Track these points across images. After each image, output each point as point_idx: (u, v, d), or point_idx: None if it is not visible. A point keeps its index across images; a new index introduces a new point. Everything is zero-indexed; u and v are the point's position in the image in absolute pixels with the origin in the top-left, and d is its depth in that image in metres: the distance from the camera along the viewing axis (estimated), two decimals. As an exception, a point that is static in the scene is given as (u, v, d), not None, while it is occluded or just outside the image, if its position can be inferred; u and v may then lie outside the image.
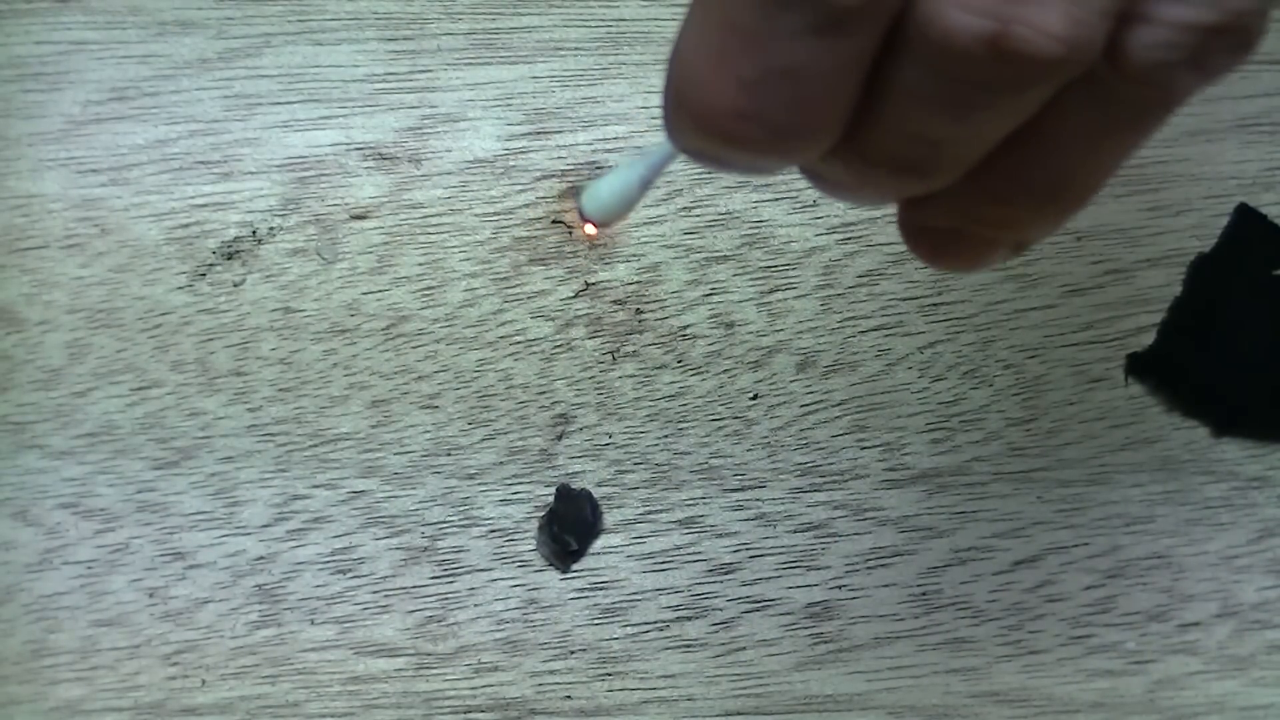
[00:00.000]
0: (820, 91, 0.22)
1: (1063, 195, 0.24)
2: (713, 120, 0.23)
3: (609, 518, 0.45)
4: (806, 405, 0.46)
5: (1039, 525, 0.46)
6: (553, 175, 0.47)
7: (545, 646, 0.44)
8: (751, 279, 0.46)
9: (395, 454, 0.45)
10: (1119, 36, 0.21)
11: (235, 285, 0.46)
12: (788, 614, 0.45)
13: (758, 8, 0.21)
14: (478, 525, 0.45)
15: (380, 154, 0.47)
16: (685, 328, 0.46)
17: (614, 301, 0.46)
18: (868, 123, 0.23)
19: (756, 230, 0.47)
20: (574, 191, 0.30)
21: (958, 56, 0.21)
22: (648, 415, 0.46)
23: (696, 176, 0.47)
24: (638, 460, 0.45)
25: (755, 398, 0.46)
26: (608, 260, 0.46)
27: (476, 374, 0.46)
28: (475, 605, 0.45)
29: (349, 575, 0.45)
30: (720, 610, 0.45)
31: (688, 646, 0.45)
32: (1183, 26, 0.21)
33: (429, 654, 0.44)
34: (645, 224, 0.47)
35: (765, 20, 0.21)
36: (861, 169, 0.24)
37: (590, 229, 0.29)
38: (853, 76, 0.22)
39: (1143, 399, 0.46)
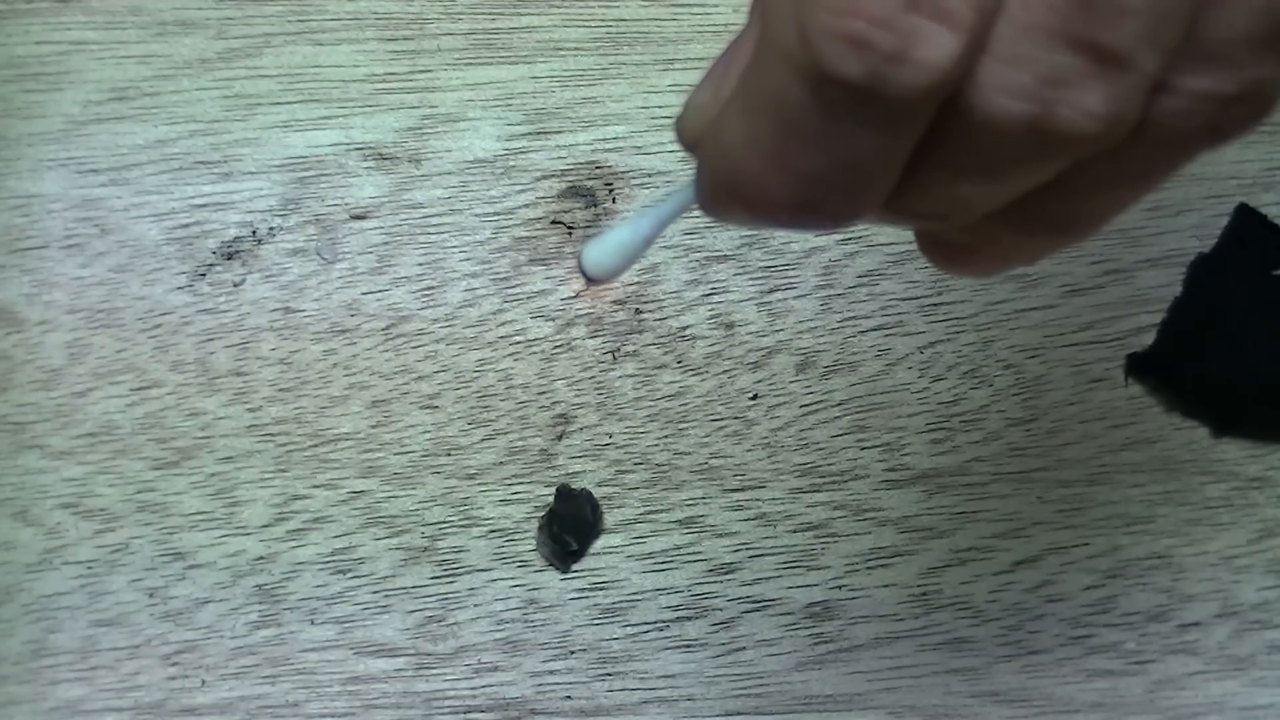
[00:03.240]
0: (876, 176, 0.23)
1: (1076, 229, 0.25)
2: (769, 211, 0.24)
3: (609, 518, 0.45)
4: (806, 405, 0.46)
5: (1039, 525, 0.46)
6: (553, 175, 0.47)
7: (545, 646, 0.44)
8: (751, 279, 0.46)
9: (395, 454, 0.45)
10: (1145, 106, 0.22)
11: (235, 285, 0.46)
12: (788, 614, 0.45)
13: (820, 113, 0.22)
14: (478, 525, 0.45)
15: (380, 154, 0.47)
16: (685, 328, 0.46)
17: (614, 301, 0.46)
18: (904, 189, 0.24)
19: (756, 230, 0.47)
20: (576, 249, 0.30)
21: (1000, 136, 0.22)
22: (648, 415, 0.46)
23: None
24: (638, 460, 0.45)
25: (755, 398, 0.46)
26: (608, 260, 0.46)
27: (476, 374, 0.46)
28: (475, 605, 0.45)
29: (349, 575, 0.45)
30: (720, 610, 0.45)
31: (688, 646, 0.45)
32: (1204, 96, 0.22)
33: (429, 654, 0.44)
34: (645, 224, 0.47)
35: (828, 123, 0.22)
36: (892, 220, 0.25)
37: (590, 284, 0.29)
38: (904, 156, 0.23)
39: (1143, 399, 0.46)
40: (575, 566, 0.45)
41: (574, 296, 0.46)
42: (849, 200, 0.23)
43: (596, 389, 0.46)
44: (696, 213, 0.45)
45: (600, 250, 0.29)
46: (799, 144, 0.22)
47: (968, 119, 0.22)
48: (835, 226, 0.24)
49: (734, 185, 0.24)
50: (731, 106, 0.23)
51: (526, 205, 0.47)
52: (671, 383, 0.46)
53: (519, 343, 0.46)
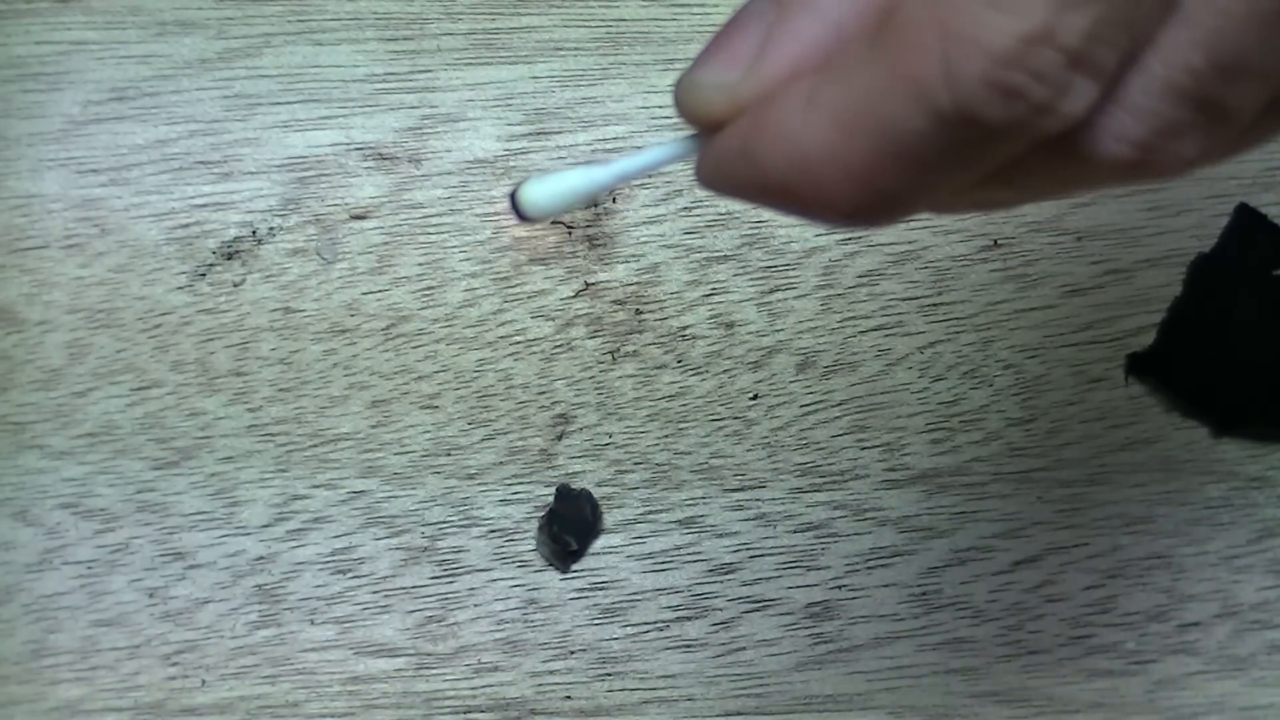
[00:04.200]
0: (947, 191, 0.23)
1: (1074, 193, 0.26)
2: (822, 212, 0.24)
3: (609, 518, 0.45)
4: (806, 405, 0.46)
5: (1039, 525, 0.46)
6: (553, 175, 0.47)
7: (545, 646, 0.44)
8: (751, 279, 0.46)
9: (395, 454, 0.45)
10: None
11: (235, 285, 0.46)
12: (788, 614, 0.45)
13: (934, 144, 0.22)
14: (478, 525, 0.45)
15: (380, 154, 0.47)
16: (685, 328, 0.46)
17: (614, 301, 0.46)
18: (960, 195, 0.24)
19: (756, 230, 0.47)
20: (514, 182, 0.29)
21: (1094, 170, 0.23)
22: (648, 415, 0.46)
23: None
24: (638, 460, 0.45)
25: (755, 398, 0.46)
26: (608, 260, 0.46)
27: (476, 374, 0.46)
28: (475, 605, 0.45)
29: (349, 575, 0.45)
30: (720, 610, 0.45)
31: (688, 646, 0.45)
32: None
33: (429, 654, 0.44)
34: (645, 224, 0.47)
35: (937, 152, 0.22)
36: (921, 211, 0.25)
37: (521, 220, 0.27)
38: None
39: (1143, 399, 0.46)
40: (575, 566, 0.45)
41: (573, 296, 0.46)
42: (907, 211, 0.23)
43: (596, 389, 0.46)
44: (697, 212, 0.45)
45: (543, 190, 0.27)
46: (894, 165, 0.22)
47: (1068, 152, 0.22)
48: (871, 227, 0.24)
49: (797, 187, 0.23)
50: (817, 113, 0.23)
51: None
52: (671, 383, 0.46)
53: (519, 343, 0.46)
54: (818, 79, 0.23)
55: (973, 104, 0.21)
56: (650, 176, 0.47)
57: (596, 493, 0.45)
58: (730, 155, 0.24)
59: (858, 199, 0.23)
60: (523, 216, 0.27)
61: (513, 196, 0.28)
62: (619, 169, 0.27)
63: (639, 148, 0.27)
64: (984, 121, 0.21)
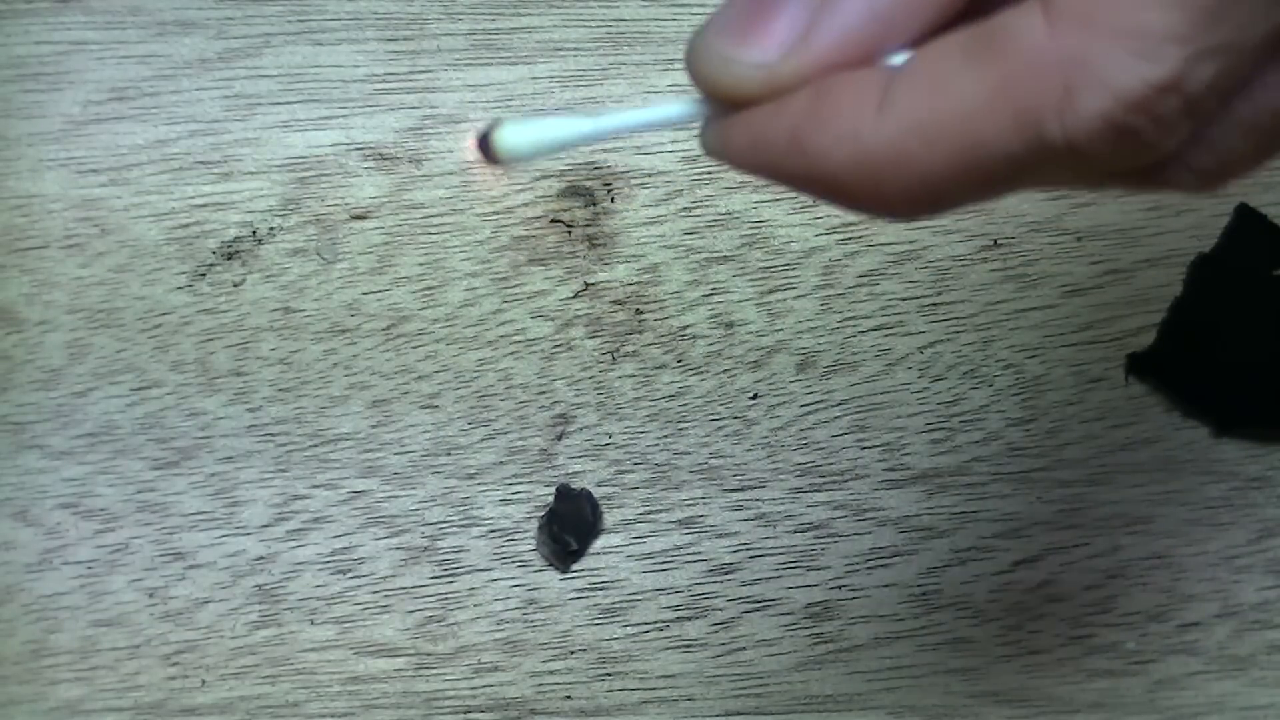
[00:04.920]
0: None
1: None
2: (870, 208, 0.24)
3: (609, 518, 0.45)
4: (806, 405, 0.46)
5: (1039, 525, 0.46)
6: (552, 175, 0.47)
7: (545, 646, 0.44)
8: (751, 279, 0.46)
9: (395, 454, 0.45)
10: None
11: (235, 285, 0.46)
12: (788, 614, 0.45)
13: (1025, 169, 0.22)
14: (478, 525, 0.45)
15: (380, 154, 0.47)
16: (685, 328, 0.46)
17: (614, 301, 0.46)
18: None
19: (756, 230, 0.47)
20: (489, 123, 0.26)
21: (1155, 191, 0.25)
22: (648, 415, 0.46)
23: (697, 176, 0.47)
24: (638, 460, 0.45)
25: (755, 398, 0.46)
26: (607, 260, 0.46)
27: (476, 374, 0.46)
28: (475, 605, 0.45)
29: (349, 575, 0.45)
30: (720, 610, 0.45)
31: (688, 646, 0.45)
32: None
33: (429, 654, 0.44)
34: (645, 224, 0.47)
35: (1024, 174, 0.22)
36: None
37: (485, 155, 0.24)
38: None
39: (1143, 399, 0.46)
40: (575, 566, 0.45)
41: (573, 296, 0.46)
42: (953, 210, 0.23)
43: (596, 389, 0.46)
44: (697, 212, 0.45)
45: (522, 134, 0.25)
46: (968, 178, 0.22)
47: (1135, 176, 0.23)
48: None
49: (850, 185, 0.23)
50: (893, 119, 0.22)
51: (526, 205, 0.47)
52: (671, 383, 0.46)
53: (519, 342, 0.46)
54: (893, 81, 0.22)
55: (1083, 139, 0.21)
56: (649, 175, 0.47)
57: (596, 493, 0.45)
58: (774, 140, 0.24)
59: (918, 203, 0.23)
60: (493, 160, 0.26)
61: (484, 137, 0.25)
62: (608, 123, 0.26)
63: (626, 109, 0.26)
64: (1086, 155, 0.21)
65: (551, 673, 0.44)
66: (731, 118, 0.25)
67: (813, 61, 0.23)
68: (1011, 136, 0.21)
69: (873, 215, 0.24)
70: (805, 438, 0.46)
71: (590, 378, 0.46)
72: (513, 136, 0.25)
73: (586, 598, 0.45)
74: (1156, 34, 0.20)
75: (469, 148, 0.26)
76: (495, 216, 0.46)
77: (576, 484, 0.45)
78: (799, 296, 0.46)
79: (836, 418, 0.46)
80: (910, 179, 0.22)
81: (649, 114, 0.26)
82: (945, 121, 0.22)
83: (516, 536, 0.45)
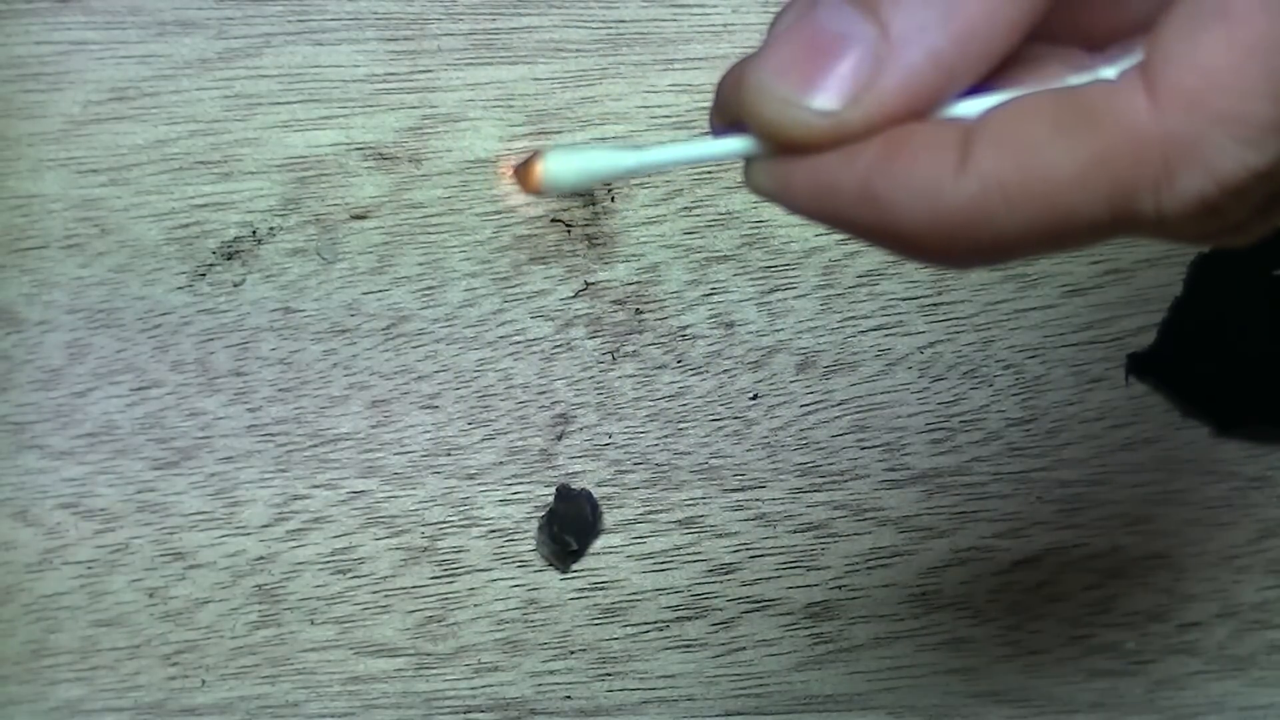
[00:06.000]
0: None
1: None
2: (932, 259, 0.24)
3: (609, 518, 0.45)
4: (806, 405, 0.46)
5: (1039, 525, 0.46)
6: (553, 175, 0.47)
7: (545, 646, 0.44)
8: (751, 279, 0.46)
9: (395, 454, 0.45)
10: None
11: (235, 285, 0.46)
12: (788, 614, 0.45)
13: (1104, 235, 0.23)
14: (478, 525, 0.45)
15: (380, 154, 0.47)
16: (685, 328, 0.46)
17: (614, 301, 0.46)
18: None
19: (756, 230, 0.47)
20: (535, 151, 0.25)
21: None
22: (648, 415, 0.46)
23: (697, 176, 0.47)
24: (638, 460, 0.45)
25: (755, 398, 0.46)
26: (608, 260, 0.46)
27: (476, 374, 0.46)
28: (475, 605, 0.45)
29: (349, 575, 0.45)
30: (720, 610, 0.45)
31: (688, 646, 0.45)
32: None
33: (429, 654, 0.44)
34: (645, 224, 0.47)
35: (1099, 237, 0.23)
36: None
37: (524, 183, 0.24)
38: None
39: (1143, 399, 0.46)
40: (575, 566, 0.45)
41: (573, 296, 0.46)
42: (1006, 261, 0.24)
43: (596, 389, 0.46)
44: (697, 212, 0.45)
45: (568, 164, 0.25)
46: (1045, 239, 0.23)
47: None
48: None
49: (921, 238, 0.23)
50: (975, 179, 0.22)
51: (526, 205, 0.47)
52: (671, 383, 0.46)
53: (519, 342, 0.46)
54: (973, 140, 0.22)
55: (1174, 214, 0.22)
56: (649, 175, 0.47)
57: (596, 493, 0.45)
58: (842, 189, 0.23)
59: (986, 258, 0.23)
60: (533, 189, 0.25)
61: (525, 165, 0.25)
62: (654, 156, 0.25)
63: (672, 141, 0.26)
64: (1170, 228, 0.22)
65: (551, 673, 0.44)
66: (792, 162, 0.24)
67: (882, 112, 0.23)
68: (1101, 207, 0.22)
69: (932, 265, 0.24)
70: (805, 438, 0.46)
71: (590, 378, 0.46)
72: (558, 166, 0.25)
73: (586, 598, 0.45)
74: (1263, 124, 0.21)
75: (506, 174, 0.26)
76: (495, 216, 0.46)
77: (576, 484, 0.45)
78: (799, 296, 0.46)
79: (836, 418, 0.46)
80: (985, 237, 0.23)
81: (696, 149, 0.25)
82: (1032, 187, 0.22)
83: (516, 536, 0.45)
